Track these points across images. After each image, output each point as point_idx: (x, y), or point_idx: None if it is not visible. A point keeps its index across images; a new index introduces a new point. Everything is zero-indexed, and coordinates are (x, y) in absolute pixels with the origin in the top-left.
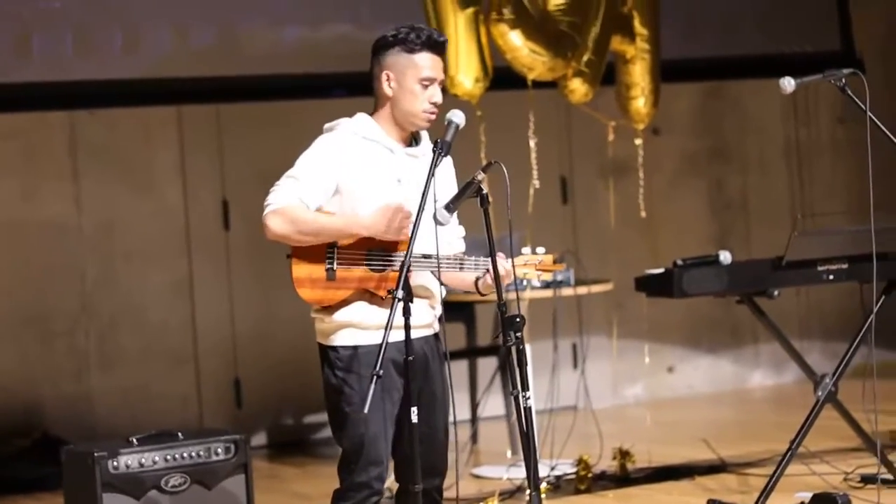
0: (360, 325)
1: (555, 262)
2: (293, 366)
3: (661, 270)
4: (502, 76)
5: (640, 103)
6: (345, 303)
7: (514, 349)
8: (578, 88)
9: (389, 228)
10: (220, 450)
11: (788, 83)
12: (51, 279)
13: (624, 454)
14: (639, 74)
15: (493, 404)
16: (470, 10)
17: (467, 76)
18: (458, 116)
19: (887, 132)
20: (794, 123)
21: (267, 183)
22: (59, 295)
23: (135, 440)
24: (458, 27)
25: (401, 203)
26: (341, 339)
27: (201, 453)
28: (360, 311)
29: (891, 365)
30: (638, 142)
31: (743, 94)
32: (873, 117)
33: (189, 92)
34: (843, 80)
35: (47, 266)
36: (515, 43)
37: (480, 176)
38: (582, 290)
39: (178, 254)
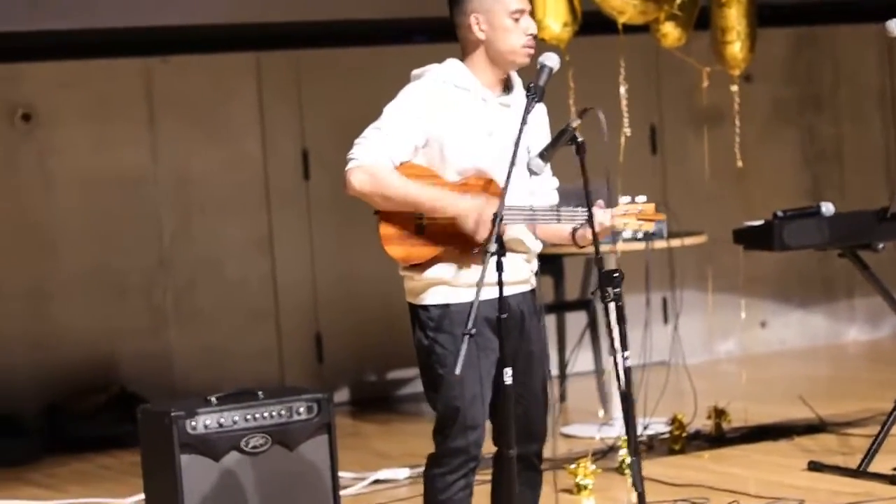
0: (451, 283)
1: (656, 210)
2: (375, 321)
3: (760, 222)
4: (591, 20)
5: (737, 48)
6: (435, 260)
7: (612, 306)
8: (671, 32)
9: (475, 221)
10: (302, 409)
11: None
12: (127, 232)
13: (719, 413)
14: (735, 17)
15: (583, 360)
16: None
17: (556, 20)
18: (551, 59)
19: None
20: (889, 71)
21: (348, 132)
22: (135, 249)
23: (213, 399)
24: None
25: (492, 168)
26: (432, 297)
27: (283, 413)
28: (452, 268)
29: None
30: (734, 88)
31: (836, 40)
32: None
33: (267, 38)
34: None
35: (123, 219)
36: None
37: (575, 123)
38: (675, 242)
39: (256, 206)
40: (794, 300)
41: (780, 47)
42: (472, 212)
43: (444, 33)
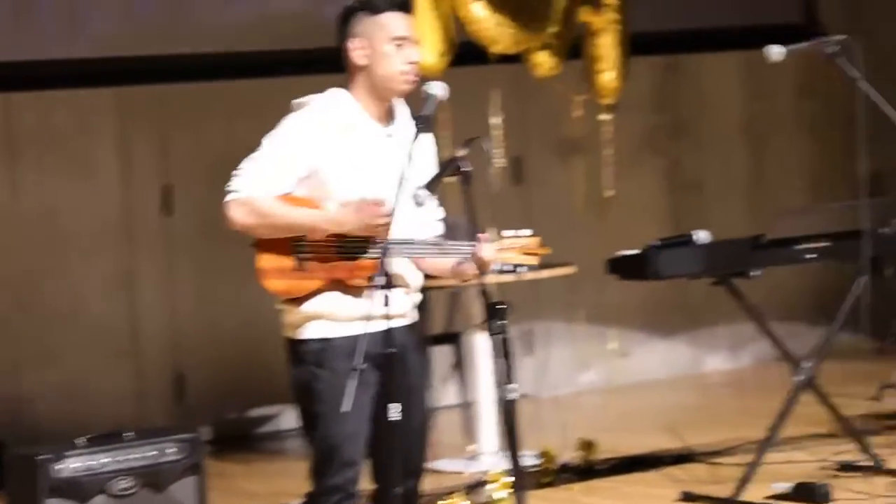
0: (331, 317)
1: (541, 245)
2: (237, 359)
3: (635, 252)
4: (466, 50)
5: (608, 77)
6: (315, 293)
7: (498, 339)
8: (545, 62)
9: (362, 223)
10: (171, 450)
11: (777, 51)
12: None
13: (587, 445)
14: (607, 46)
15: (449, 394)
16: None
17: (430, 50)
18: (437, 88)
19: (882, 100)
20: (750, 98)
21: (211, 167)
22: None
23: (81, 442)
24: None
25: (372, 195)
26: (311, 331)
27: (151, 454)
28: (332, 302)
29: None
30: (604, 117)
31: (701, 68)
32: (867, 85)
33: (131, 72)
34: (837, 48)
35: None
36: (479, 14)
37: (462, 153)
38: (545, 273)
39: (118, 242)
40: (658, 329)
41: (645, 76)
42: (352, 213)
43: (315, 65)
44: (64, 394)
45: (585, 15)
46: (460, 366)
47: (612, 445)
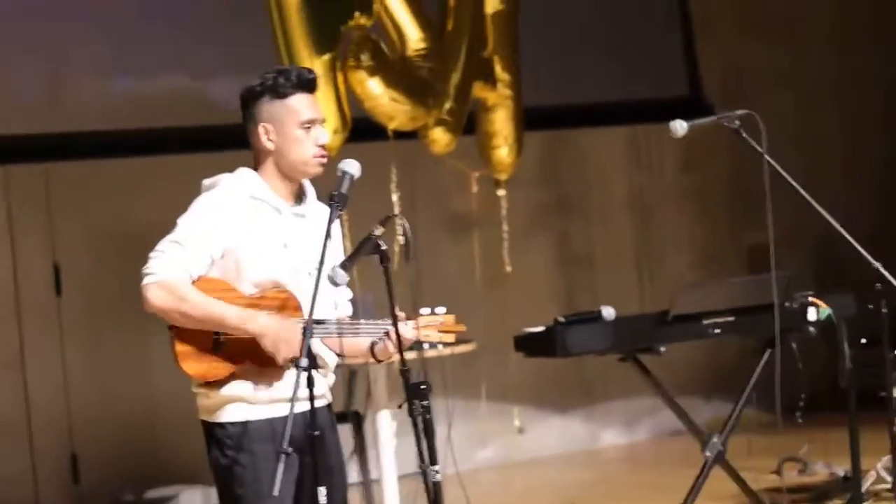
0: (249, 399)
1: (457, 321)
2: (133, 438)
3: (541, 329)
4: (361, 126)
5: (504, 153)
6: (233, 376)
7: (420, 419)
8: (441, 138)
9: (275, 341)
10: None
11: (680, 126)
12: None
13: None
14: (501, 122)
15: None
16: (326, 57)
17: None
18: (352, 166)
19: (784, 174)
20: (636, 172)
21: (101, 246)
22: None
23: None
24: None
25: (289, 280)
26: (229, 414)
27: None
28: (249, 385)
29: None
30: (501, 193)
31: (586, 142)
32: (770, 160)
33: (15, 150)
34: (738, 122)
35: None
36: (375, 91)
37: (378, 231)
38: (446, 351)
39: (7, 322)
40: (553, 405)
41: (532, 151)
42: (271, 331)
43: (199, 143)
44: None
45: (479, 90)
46: (361, 445)
47: None
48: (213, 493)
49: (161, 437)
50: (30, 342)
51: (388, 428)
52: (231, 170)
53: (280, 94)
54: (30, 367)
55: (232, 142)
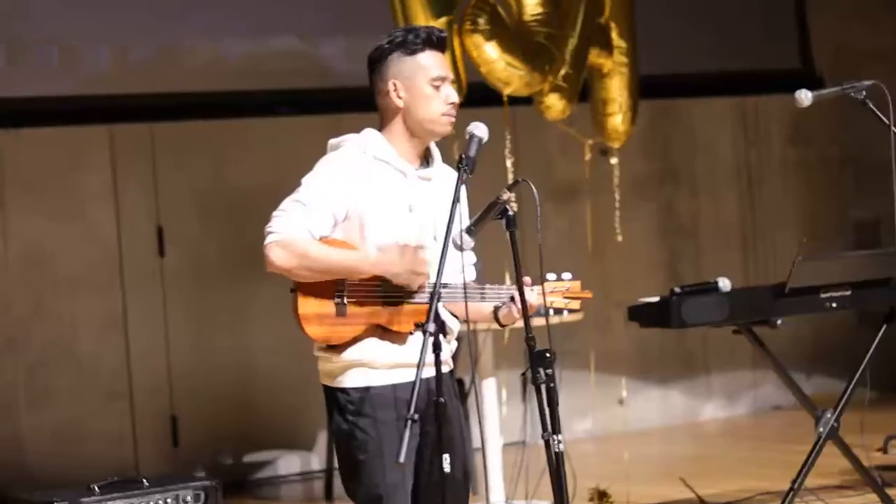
0: (371, 364)
1: (582, 288)
2: (232, 401)
3: (656, 299)
4: (476, 91)
5: (618, 120)
6: (355, 340)
7: (543, 388)
8: (555, 104)
9: (403, 270)
10: (189, 497)
11: (805, 96)
12: None
13: (602, 495)
14: (616, 89)
15: None
16: (443, 20)
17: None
18: (480, 129)
19: None
20: (743, 144)
21: (204, 207)
22: None
23: (96, 488)
24: None
25: (415, 243)
26: (351, 379)
27: (168, 501)
28: (372, 349)
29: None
30: (613, 161)
31: (694, 113)
32: None
33: (122, 110)
34: (864, 93)
35: None
36: (491, 55)
37: (506, 195)
38: (554, 320)
39: (110, 283)
40: (653, 377)
41: (640, 120)
42: (395, 258)
43: (309, 105)
44: (57, 436)
45: (595, 57)
46: (465, 413)
47: (623, 495)
48: (311, 457)
49: (260, 402)
50: (132, 304)
51: (493, 396)
52: (337, 133)
53: (410, 50)
54: (132, 328)
55: (340, 105)
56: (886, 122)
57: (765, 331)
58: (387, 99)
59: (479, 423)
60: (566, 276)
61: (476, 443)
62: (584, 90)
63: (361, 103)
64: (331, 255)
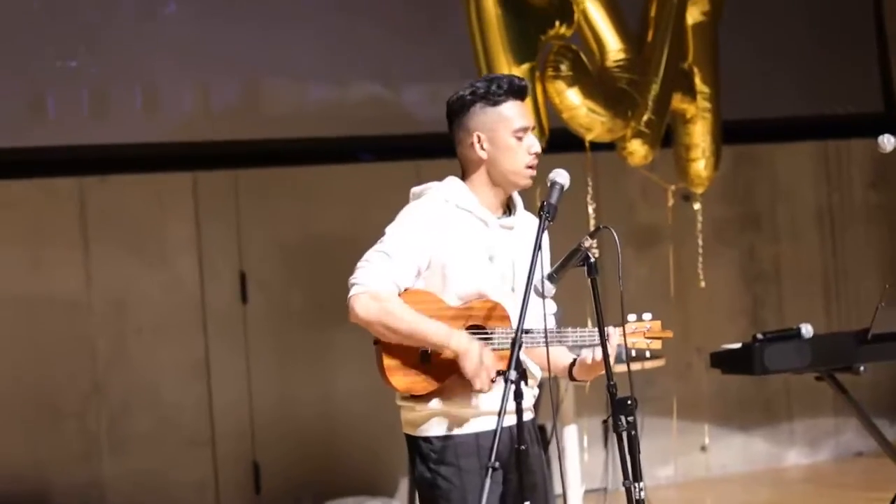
0: (454, 413)
1: (663, 328)
2: (314, 448)
3: (738, 345)
4: (558, 137)
5: (701, 166)
6: (438, 390)
7: (625, 435)
8: (638, 150)
9: (474, 362)
10: None
11: (888, 141)
12: (60, 357)
13: None
14: (699, 135)
15: None
16: (526, 66)
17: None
18: (561, 176)
19: None
20: (826, 189)
21: (286, 254)
22: (68, 374)
23: None
24: None
25: (492, 353)
26: (434, 428)
27: None
28: (455, 398)
29: None
30: (697, 206)
31: (774, 158)
32: None
33: (206, 157)
34: None
35: (56, 343)
36: (573, 101)
37: (588, 242)
38: (636, 366)
39: (193, 329)
40: (735, 423)
41: (722, 164)
42: (474, 354)
43: (391, 152)
44: (139, 484)
45: (678, 102)
46: (546, 459)
47: None
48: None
49: (342, 449)
50: (215, 350)
51: (574, 442)
52: (420, 179)
53: (493, 101)
54: (214, 374)
55: (422, 151)
56: None
57: (847, 377)
58: (470, 150)
59: (561, 470)
60: (646, 316)
61: (558, 489)
62: (667, 135)
63: (443, 149)
64: (415, 322)
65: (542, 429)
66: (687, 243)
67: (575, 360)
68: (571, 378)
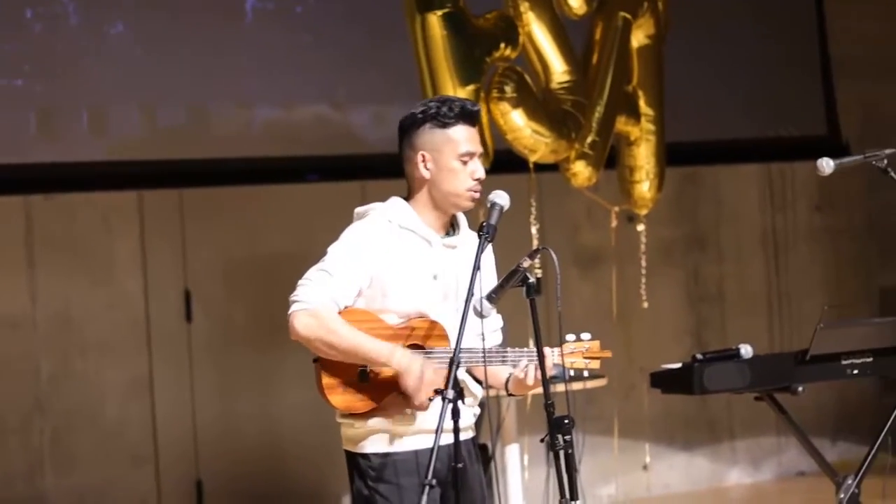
0: (394, 431)
1: (602, 348)
2: (257, 465)
3: (678, 365)
4: (502, 158)
5: (645, 187)
6: (378, 408)
7: (562, 454)
8: (581, 172)
9: (416, 380)
10: None
11: (827, 164)
12: (2, 374)
13: None
14: (643, 157)
15: None
16: (470, 88)
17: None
18: (501, 197)
19: None
20: (770, 210)
21: (232, 273)
22: (11, 391)
23: None
24: None
25: (436, 368)
26: (373, 445)
27: None
28: (394, 416)
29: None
30: (640, 228)
31: (719, 179)
32: None
33: (152, 175)
34: (886, 161)
35: None
36: (517, 123)
37: (526, 263)
38: (577, 385)
39: (137, 347)
40: (677, 442)
41: (665, 186)
42: (415, 370)
43: (337, 172)
44: (82, 499)
45: (622, 125)
46: (488, 479)
47: None
48: None
49: (285, 466)
50: (159, 367)
51: (516, 461)
52: (365, 200)
53: (442, 122)
54: (158, 392)
55: (368, 171)
56: None
57: (788, 397)
58: (414, 169)
59: (499, 489)
60: (585, 336)
61: None
62: (611, 157)
63: (389, 170)
64: (355, 339)
65: (483, 447)
66: (631, 264)
67: (510, 374)
68: (508, 392)
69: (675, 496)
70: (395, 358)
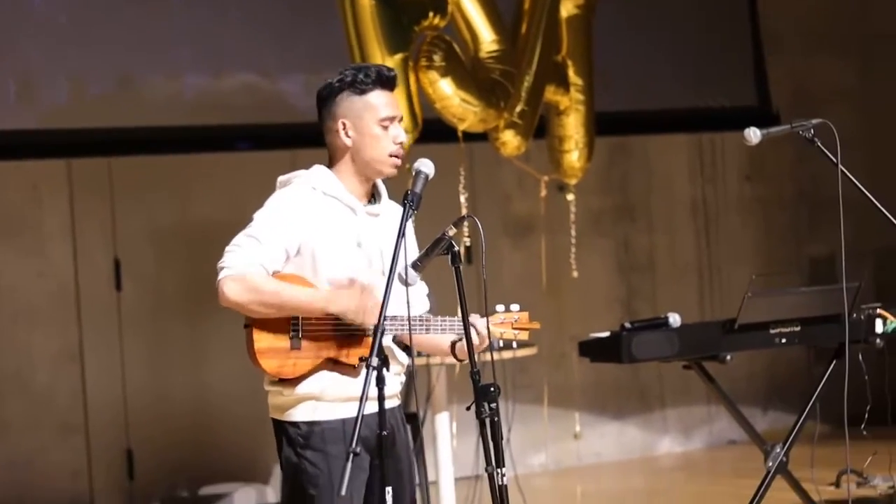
0: (321, 398)
1: (530, 319)
2: (188, 435)
3: (606, 334)
4: (432, 127)
5: (574, 157)
6: (307, 374)
7: (487, 421)
8: (510, 141)
9: (357, 309)
10: None
11: (754, 134)
12: None
13: None
14: (573, 126)
15: None
16: (399, 56)
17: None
18: (426, 166)
19: (858, 184)
20: (700, 180)
21: (161, 241)
22: None
23: None
24: None
25: (366, 279)
26: (301, 413)
27: None
28: (323, 383)
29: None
30: (570, 198)
31: (651, 149)
32: (844, 170)
33: (80, 144)
34: (812, 131)
35: None
36: (446, 91)
37: (451, 231)
38: (507, 354)
39: (67, 316)
40: (608, 411)
41: (597, 156)
42: (353, 304)
43: (268, 140)
44: (11, 469)
45: (551, 94)
46: (419, 447)
47: None
48: (267, 490)
49: (216, 435)
50: (89, 337)
51: (446, 430)
52: (296, 168)
53: (359, 89)
54: (88, 361)
55: (298, 140)
56: (834, 160)
57: (719, 366)
58: (335, 137)
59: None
60: (514, 307)
61: (432, 476)
62: (541, 126)
63: (319, 138)
64: (284, 292)
65: (412, 416)
66: (561, 234)
67: (454, 341)
68: (458, 359)
69: (606, 465)
70: (329, 302)
